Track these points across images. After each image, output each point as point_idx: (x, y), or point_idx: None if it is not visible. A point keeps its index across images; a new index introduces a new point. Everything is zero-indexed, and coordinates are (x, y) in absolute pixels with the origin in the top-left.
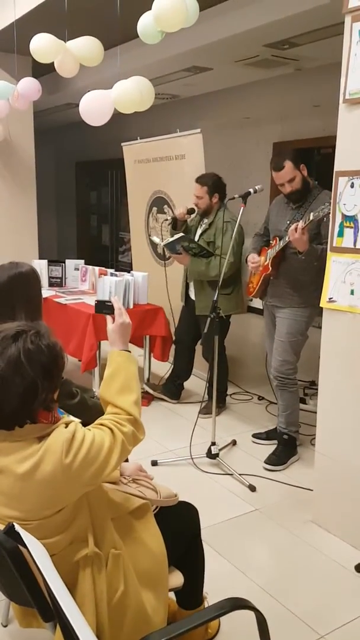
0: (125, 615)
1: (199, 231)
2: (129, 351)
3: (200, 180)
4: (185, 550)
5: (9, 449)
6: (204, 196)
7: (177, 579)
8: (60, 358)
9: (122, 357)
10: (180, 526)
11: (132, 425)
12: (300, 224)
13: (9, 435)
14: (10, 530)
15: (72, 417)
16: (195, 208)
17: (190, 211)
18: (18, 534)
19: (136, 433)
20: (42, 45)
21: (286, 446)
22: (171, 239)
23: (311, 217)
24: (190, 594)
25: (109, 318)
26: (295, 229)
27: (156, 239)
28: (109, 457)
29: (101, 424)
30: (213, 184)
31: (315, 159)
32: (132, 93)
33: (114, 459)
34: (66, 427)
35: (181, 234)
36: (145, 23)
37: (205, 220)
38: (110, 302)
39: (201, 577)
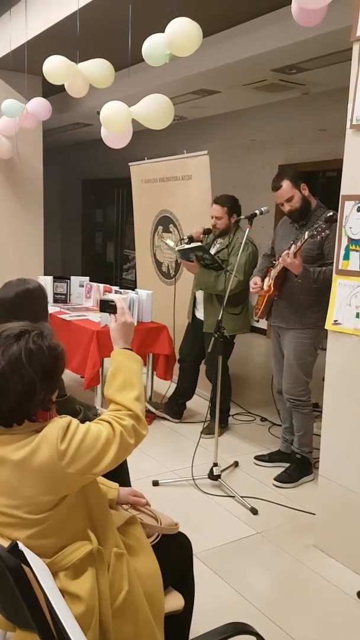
0: (133, 614)
1: (213, 250)
2: (131, 349)
3: (219, 201)
4: (176, 581)
5: (6, 441)
6: (223, 216)
7: (177, 601)
8: (61, 360)
9: (123, 355)
10: (174, 556)
11: (133, 420)
12: (292, 248)
13: (7, 430)
14: (13, 549)
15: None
16: (212, 228)
17: (206, 231)
18: (22, 552)
19: (137, 427)
20: (55, 67)
21: (299, 465)
22: (187, 246)
23: (306, 237)
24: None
25: (112, 317)
26: (287, 255)
27: (170, 243)
28: (107, 447)
29: (100, 420)
30: (232, 204)
31: (320, 182)
32: (119, 113)
33: (113, 449)
34: (61, 418)
35: (198, 244)
36: (152, 45)
37: (221, 241)
38: (113, 301)
39: (191, 610)
